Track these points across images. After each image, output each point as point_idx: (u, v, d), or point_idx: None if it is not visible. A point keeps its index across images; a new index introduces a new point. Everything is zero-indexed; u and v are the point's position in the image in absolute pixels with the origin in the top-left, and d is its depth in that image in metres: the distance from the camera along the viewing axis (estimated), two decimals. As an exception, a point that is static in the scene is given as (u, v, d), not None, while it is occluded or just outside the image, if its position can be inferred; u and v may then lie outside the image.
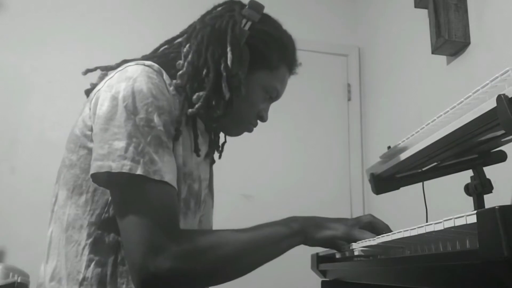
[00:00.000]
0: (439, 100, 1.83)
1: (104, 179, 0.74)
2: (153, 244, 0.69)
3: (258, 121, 1.01)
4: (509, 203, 0.70)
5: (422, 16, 1.96)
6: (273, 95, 0.98)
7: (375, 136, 2.51)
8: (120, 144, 0.72)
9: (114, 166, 0.71)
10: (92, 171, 0.73)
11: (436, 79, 1.92)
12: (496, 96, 0.63)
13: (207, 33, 0.88)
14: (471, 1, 1.71)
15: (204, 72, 0.86)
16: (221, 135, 1.06)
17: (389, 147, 1.05)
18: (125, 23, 2.41)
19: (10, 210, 2.08)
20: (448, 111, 0.80)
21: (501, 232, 0.42)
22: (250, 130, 1.01)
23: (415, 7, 1.96)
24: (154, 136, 0.74)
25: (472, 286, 0.51)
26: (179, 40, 0.94)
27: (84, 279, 0.74)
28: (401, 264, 0.67)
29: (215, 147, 1.03)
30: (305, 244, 0.86)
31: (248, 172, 2.45)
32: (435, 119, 0.84)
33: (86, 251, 0.76)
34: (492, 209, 0.44)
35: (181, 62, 0.87)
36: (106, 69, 0.91)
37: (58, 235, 0.79)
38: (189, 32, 0.92)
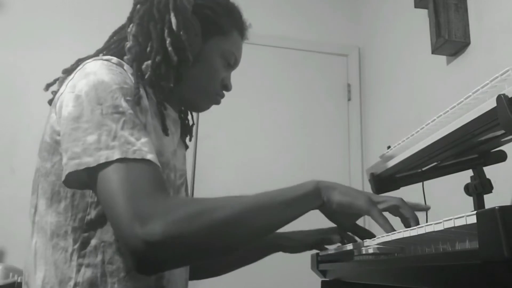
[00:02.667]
0: (439, 100, 1.83)
1: (82, 179, 0.70)
2: (140, 213, 0.63)
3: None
4: (509, 203, 0.70)
5: (422, 16, 1.96)
6: (231, 61, 0.97)
7: (375, 136, 2.51)
8: (93, 137, 0.69)
9: (92, 160, 0.67)
10: (68, 170, 0.69)
11: (436, 79, 1.92)
12: (496, 96, 0.63)
13: (148, 7, 0.88)
14: (471, 1, 1.71)
15: (149, 44, 0.86)
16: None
17: (389, 147, 1.05)
18: (125, 23, 2.41)
19: (10, 210, 2.08)
20: (448, 111, 0.80)
21: (501, 232, 0.42)
22: (218, 102, 0.99)
23: (415, 7, 1.96)
24: (126, 120, 0.71)
25: (472, 286, 0.51)
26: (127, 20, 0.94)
27: (76, 284, 0.73)
28: (401, 264, 0.67)
29: (188, 131, 1.03)
30: (324, 208, 0.80)
31: (248, 172, 2.45)
32: (435, 119, 0.84)
33: (75, 256, 0.74)
34: (492, 209, 0.44)
35: (127, 43, 0.86)
36: (64, 73, 0.91)
37: (44, 244, 0.78)
38: (130, 12, 0.92)
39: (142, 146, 0.70)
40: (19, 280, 1.67)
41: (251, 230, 0.73)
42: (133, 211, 0.64)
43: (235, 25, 0.97)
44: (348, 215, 0.86)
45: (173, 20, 0.86)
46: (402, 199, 0.83)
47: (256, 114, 2.52)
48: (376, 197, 0.83)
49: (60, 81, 0.90)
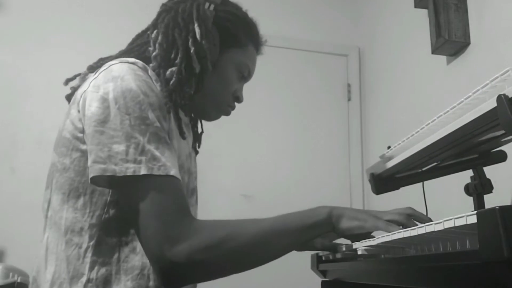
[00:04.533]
0: (439, 100, 1.83)
1: (107, 181, 0.74)
2: (169, 235, 0.70)
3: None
4: (509, 203, 0.70)
5: (422, 16, 1.96)
6: (245, 73, 1.00)
7: (375, 136, 2.52)
8: (120, 147, 0.72)
9: (118, 169, 0.71)
10: (94, 174, 0.72)
11: (436, 79, 1.92)
12: (496, 96, 0.64)
13: (172, 16, 0.91)
14: (471, 1, 1.71)
15: (173, 51, 0.88)
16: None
17: (389, 147, 1.05)
18: (127, 23, 2.41)
19: (10, 210, 2.08)
20: (448, 111, 0.80)
21: (501, 232, 0.42)
22: (228, 113, 1.02)
23: (415, 7, 1.96)
24: (151, 133, 0.74)
25: (472, 286, 0.51)
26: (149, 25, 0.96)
27: (88, 280, 0.74)
28: (401, 264, 0.67)
29: (197, 139, 1.05)
30: (336, 233, 0.85)
31: (248, 172, 2.45)
32: (435, 119, 0.84)
33: (89, 253, 0.76)
34: (493, 209, 0.44)
35: (151, 48, 0.89)
36: (89, 70, 0.92)
37: (56, 239, 0.78)
38: (155, 19, 0.94)
39: (166, 161, 0.74)
40: (19, 280, 1.67)
41: (269, 254, 0.79)
42: (162, 233, 0.70)
43: (251, 39, 0.99)
44: (358, 235, 0.88)
45: (197, 30, 0.88)
46: (411, 208, 0.87)
47: (256, 114, 2.52)
48: (382, 213, 0.85)
49: (81, 77, 0.92)
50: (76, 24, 2.40)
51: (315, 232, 0.83)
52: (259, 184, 2.42)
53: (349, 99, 2.69)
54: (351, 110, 2.68)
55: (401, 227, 0.80)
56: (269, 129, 2.55)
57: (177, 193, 0.74)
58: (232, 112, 1.04)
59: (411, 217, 0.85)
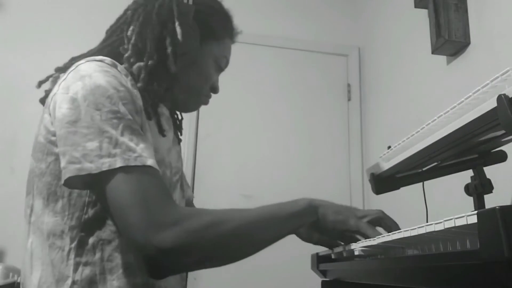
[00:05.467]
0: (439, 100, 1.83)
1: (82, 182, 0.72)
2: (154, 222, 0.68)
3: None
4: (509, 203, 0.70)
5: (422, 16, 1.96)
6: (223, 65, 1.01)
7: (375, 136, 2.52)
8: (94, 144, 0.70)
9: (94, 167, 0.69)
10: (69, 174, 0.70)
11: (436, 79, 1.92)
12: (497, 96, 0.64)
13: (149, 12, 0.89)
14: (471, 1, 1.71)
15: (147, 50, 0.86)
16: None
17: (389, 147, 1.05)
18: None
19: (10, 210, 2.07)
20: (448, 111, 0.80)
21: (502, 232, 0.42)
22: (206, 103, 1.02)
23: (415, 7, 1.96)
24: (124, 126, 0.73)
25: (472, 286, 0.51)
26: (122, 21, 0.94)
27: (74, 282, 0.74)
28: (401, 264, 0.67)
29: (178, 127, 1.05)
30: (318, 224, 0.86)
31: (248, 172, 2.45)
32: (435, 119, 0.84)
33: (72, 255, 0.75)
34: (493, 209, 0.44)
35: (125, 46, 0.87)
36: (57, 71, 0.91)
37: (40, 244, 0.78)
38: (130, 14, 0.92)
39: (142, 152, 0.72)
40: (19, 280, 1.67)
41: (255, 242, 0.78)
42: (146, 221, 0.68)
43: (228, 31, 1.00)
44: (338, 230, 0.90)
45: (178, 30, 0.87)
46: (382, 211, 0.92)
47: (256, 114, 2.52)
48: (359, 211, 0.91)
49: (53, 80, 0.90)
50: (76, 24, 2.40)
51: (299, 222, 0.85)
52: (259, 184, 2.42)
53: (349, 99, 2.69)
54: (351, 110, 2.68)
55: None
56: (269, 129, 2.55)
57: (157, 182, 0.72)
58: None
59: (381, 220, 0.90)
